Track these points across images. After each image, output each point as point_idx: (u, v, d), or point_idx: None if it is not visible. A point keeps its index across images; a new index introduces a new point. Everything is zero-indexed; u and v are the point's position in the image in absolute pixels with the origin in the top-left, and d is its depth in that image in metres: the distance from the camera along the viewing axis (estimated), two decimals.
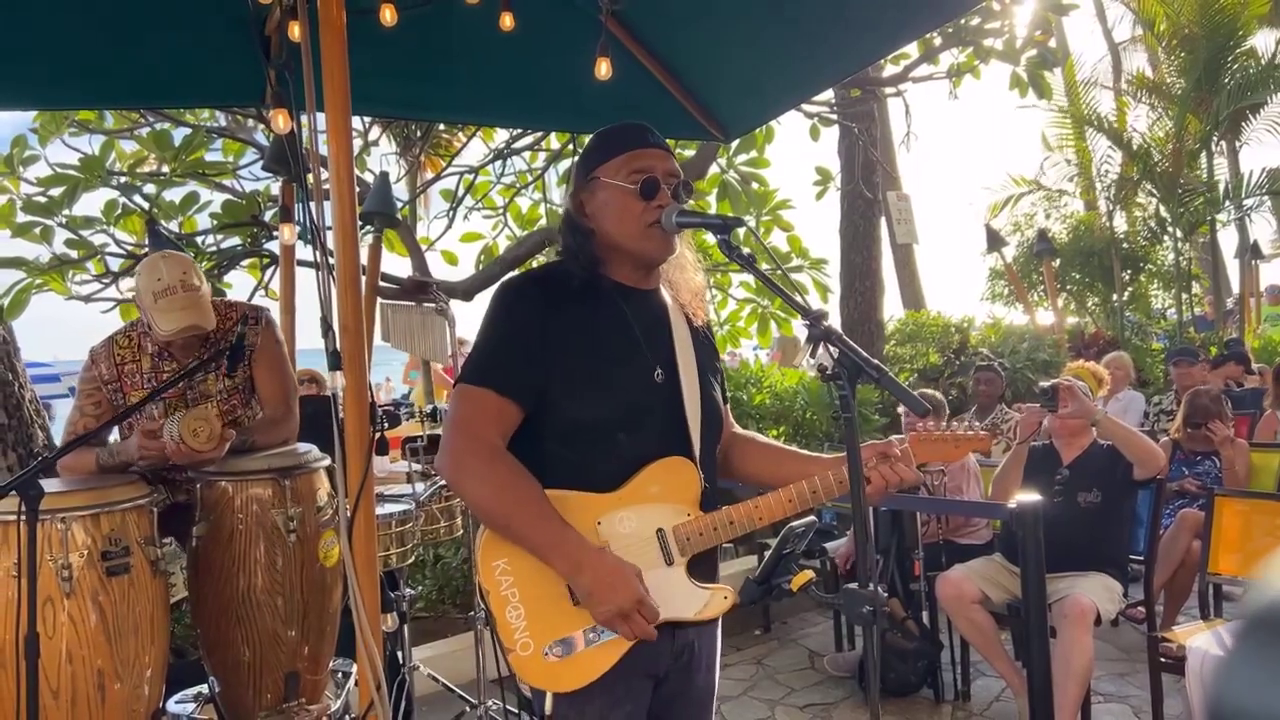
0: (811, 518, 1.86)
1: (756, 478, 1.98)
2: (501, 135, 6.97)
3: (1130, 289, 13.54)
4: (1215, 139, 13.16)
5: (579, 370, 1.70)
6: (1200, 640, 3.34)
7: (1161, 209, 13.11)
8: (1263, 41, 13.59)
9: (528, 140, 6.91)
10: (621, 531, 1.69)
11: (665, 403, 1.76)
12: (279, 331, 3.10)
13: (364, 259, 4.14)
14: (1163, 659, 3.45)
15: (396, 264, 6.69)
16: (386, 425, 2.96)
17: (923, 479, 1.79)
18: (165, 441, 2.56)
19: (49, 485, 2.27)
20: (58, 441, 4.54)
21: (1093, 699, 3.71)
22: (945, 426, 1.84)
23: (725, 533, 1.74)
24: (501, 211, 7.35)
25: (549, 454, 1.70)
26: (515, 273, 5.39)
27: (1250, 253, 13.82)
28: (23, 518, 2.09)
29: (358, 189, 3.48)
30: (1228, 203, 12.97)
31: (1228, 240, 15.59)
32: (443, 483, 3.51)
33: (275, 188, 5.37)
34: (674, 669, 1.80)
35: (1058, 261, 12.92)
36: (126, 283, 5.64)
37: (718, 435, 1.89)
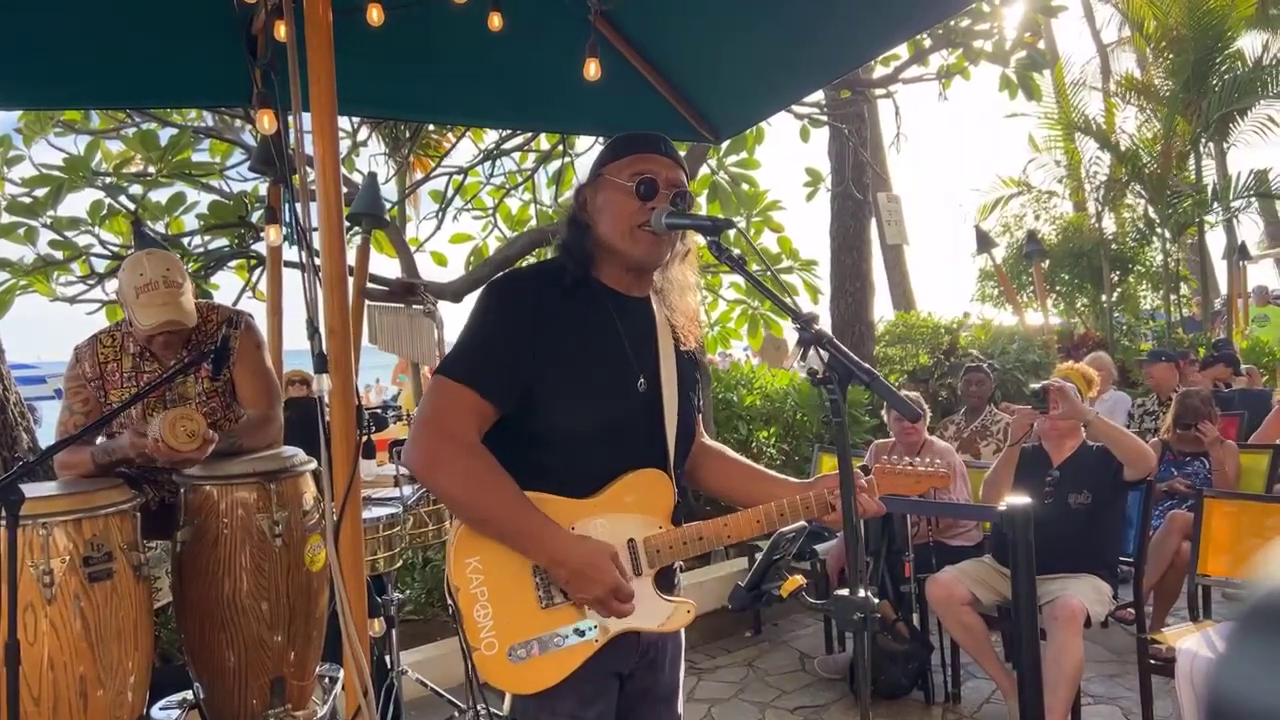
0: (802, 522, 1.86)
1: (725, 493, 2.01)
2: (491, 136, 6.94)
3: (1119, 290, 13.59)
4: (1203, 141, 13.22)
5: (565, 374, 1.70)
6: (1190, 642, 3.34)
7: (1150, 210, 13.17)
8: (1250, 44, 13.67)
9: (517, 141, 6.89)
10: (595, 538, 1.70)
11: (646, 414, 1.77)
12: (259, 335, 3.08)
13: (352, 260, 4.12)
14: (1152, 660, 3.45)
15: (386, 265, 6.67)
16: (373, 428, 2.94)
17: (884, 509, 1.84)
18: (147, 441, 2.54)
19: (31, 490, 2.24)
20: (43, 444, 4.50)
21: (1083, 700, 3.71)
22: (909, 462, 1.91)
23: (694, 547, 1.77)
24: (491, 212, 7.32)
25: (528, 457, 1.70)
26: (509, 269, 5.37)
27: (1238, 254, 13.89)
28: (2, 523, 2.06)
29: (346, 189, 3.45)
30: (1216, 204, 13.03)
31: (1215, 242, 15.67)
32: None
33: (263, 188, 5.33)
34: (639, 666, 1.82)
35: (1047, 263, 12.96)
36: (112, 284, 5.61)
37: (689, 450, 1.93)
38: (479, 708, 3.57)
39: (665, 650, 1.87)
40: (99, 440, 2.82)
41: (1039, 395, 3.87)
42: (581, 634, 1.69)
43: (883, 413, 6.24)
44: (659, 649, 1.85)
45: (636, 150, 1.78)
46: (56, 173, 5.32)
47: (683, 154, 6.13)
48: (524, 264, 6.18)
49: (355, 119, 6.40)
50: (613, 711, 1.77)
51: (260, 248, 5.63)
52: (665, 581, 1.80)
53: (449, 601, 1.71)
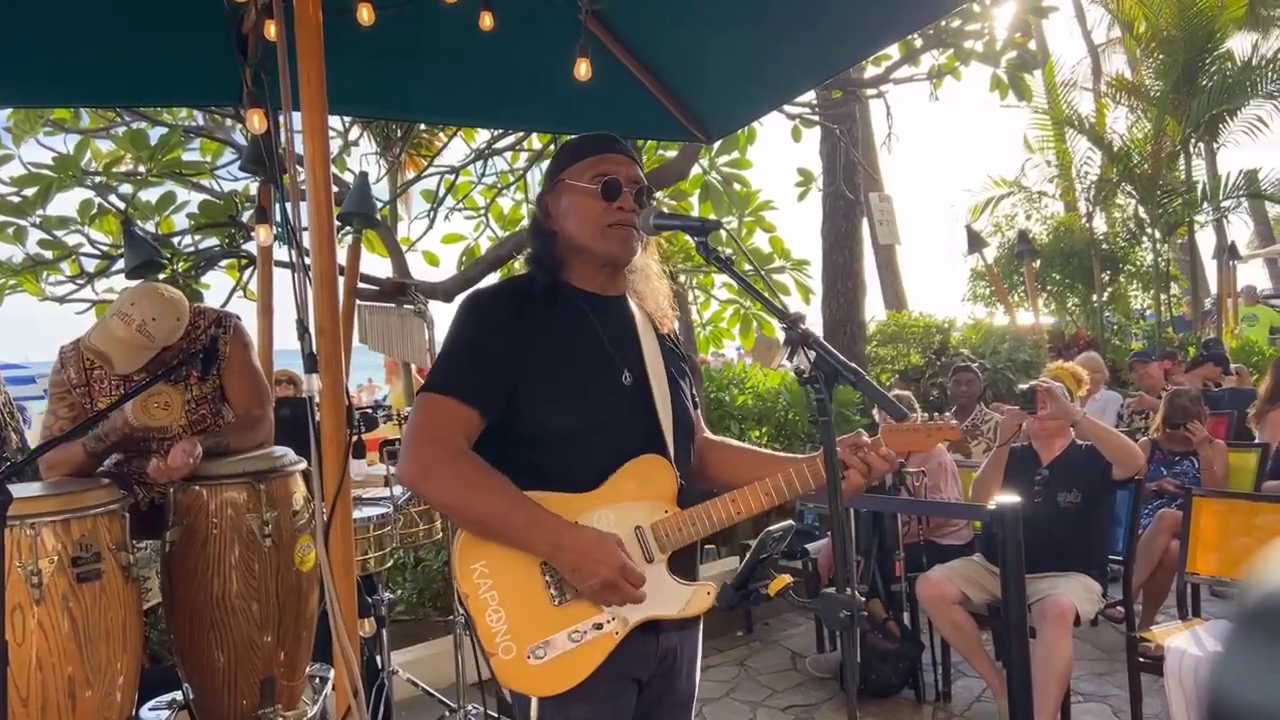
0: (789, 521, 1.85)
1: (734, 483, 1.98)
2: (483, 135, 6.92)
3: (1110, 289, 13.64)
4: (1193, 141, 13.28)
5: (548, 378, 1.71)
6: (1179, 640, 3.36)
7: (1140, 210, 13.22)
8: (1240, 44, 13.74)
9: (509, 140, 6.88)
10: (600, 529, 1.68)
11: (635, 405, 1.77)
12: (247, 336, 3.08)
13: (343, 260, 4.11)
14: (1141, 659, 3.46)
15: (377, 265, 6.65)
16: (363, 428, 2.94)
17: (898, 463, 1.81)
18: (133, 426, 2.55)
19: (19, 490, 2.23)
20: (32, 445, 4.48)
21: (1072, 698, 3.72)
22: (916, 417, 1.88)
23: (704, 527, 1.74)
24: (483, 212, 7.31)
25: (523, 458, 1.70)
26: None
27: (1228, 254, 13.96)
28: None
29: (337, 189, 3.45)
30: (1205, 204, 13.08)
31: (1205, 241, 15.76)
32: None
33: (253, 188, 5.31)
34: (657, 673, 1.80)
35: (1038, 262, 13.00)
36: (102, 283, 5.59)
37: (689, 436, 1.91)
38: (470, 708, 3.57)
39: (683, 656, 1.86)
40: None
41: (1027, 396, 3.89)
42: (600, 627, 1.66)
43: (874, 412, 6.25)
44: (676, 655, 1.83)
45: (593, 152, 1.80)
46: (46, 172, 5.28)
47: (674, 154, 6.18)
48: (516, 263, 6.19)
49: (346, 118, 6.39)
50: (629, 717, 1.76)
51: (251, 247, 5.61)
52: (685, 567, 1.78)
53: (460, 609, 1.70)
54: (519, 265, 6.06)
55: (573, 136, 1.88)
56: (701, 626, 1.91)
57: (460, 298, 1.83)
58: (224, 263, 5.91)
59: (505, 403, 1.69)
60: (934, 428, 1.84)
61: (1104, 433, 3.86)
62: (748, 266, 3.98)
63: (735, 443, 2.06)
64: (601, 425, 1.72)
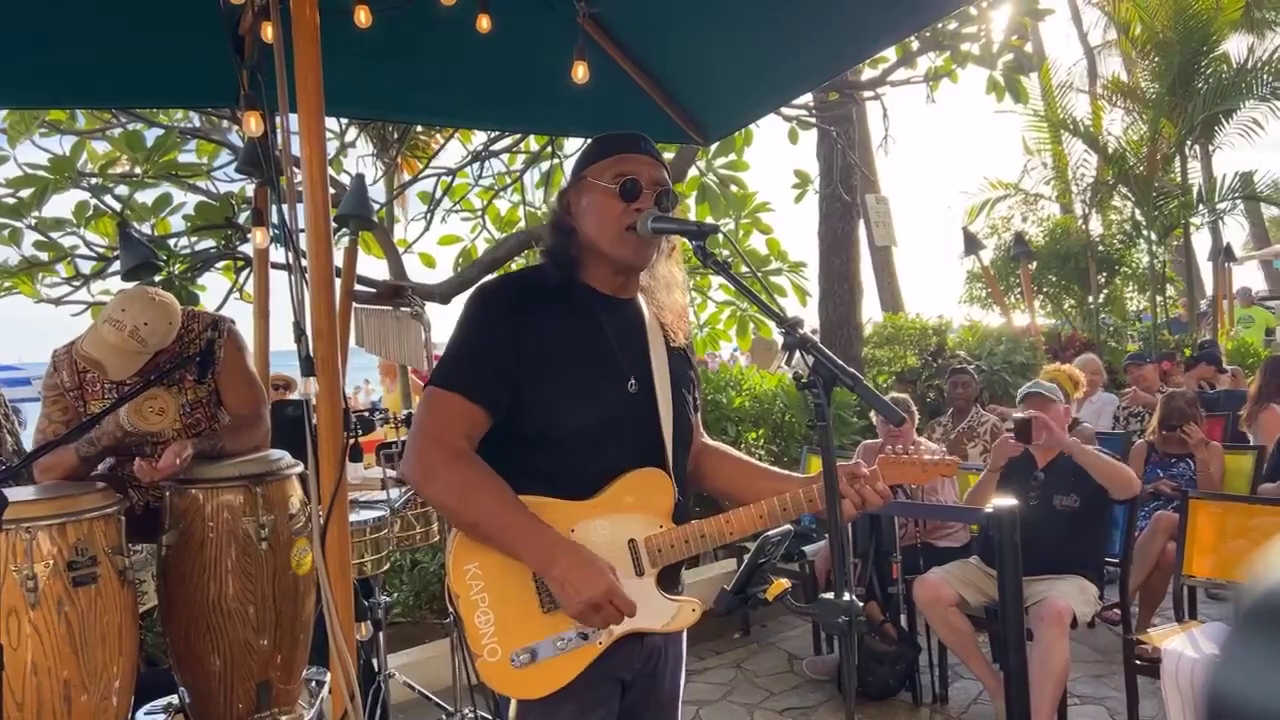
0: (788, 526, 1.85)
1: (727, 491, 1.98)
2: (479, 137, 6.93)
3: (1106, 291, 13.67)
4: (1189, 143, 13.31)
5: (553, 378, 1.69)
6: (1175, 642, 3.36)
7: (1136, 212, 13.25)
8: (1235, 47, 13.78)
9: (506, 142, 6.88)
10: (594, 540, 1.68)
11: (640, 414, 1.76)
12: (241, 339, 3.07)
13: (340, 262, 4.10)
14: (1138, 661, 3.47)
15: (374, 267, 6.65)
16: (360, 431, 2.93)
17: (892, 498, 1.79)
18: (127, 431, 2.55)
19: (14, 494, 2.23)
20: (28, 447, 4.47)
21: (1069, 700, 3.72)
22: (913, 450, 1.87)
23: (696, 545, 1.75)
24: (480, 214, 7.31)
25: (523, 461, 1.69)
26: (492, 276, 5.36)
27: (1223, 255, 13.99)
28: None
29: (333, 191, 3.44)
30: (1201, 206, 13.13)
31: (1201, 243, 15.79)
32: None
33: (250, 190, 5.31)
34: (641, 673, 1.81)
35: (1034, 264, 13.02)
36: (98, 285, 5.58)
37: (688, 448, 1.90)
38: (467, 711, 3.56)
39: (667, 658, 1.86)
40: None
41: (1022, 427, 3.88)
42: (585, 637, 1.67)
43: (871, 414, 6.25)
44: (661, 656, 1.84)
45: (617, 150, 1.77)
46: (42, 173, 5.28)
47: (671, 156, 6.18)
48: (513, 265, 6.19)
49: (343, 120, 6.39)
50: (614, 718, 1.76)
51: (247, 249, 5.61)
52: (669, 581, 1.78)
53: (450, 609, 1.70)
54: (516, 268, 6.07)
55: (603, 133, 1.84)
56: (686, 629, 1.91)
57: (470, 290, 1.82)
58: (220, 265, 5.91)
59: (510, 399, 1.68)
60: (930, 464, 1.84)
61: (1099, 461, 3.83)
62: (744, 269, 3.98)
63: (731, 451, 2.06)
64: (605, 428, 1.71)
